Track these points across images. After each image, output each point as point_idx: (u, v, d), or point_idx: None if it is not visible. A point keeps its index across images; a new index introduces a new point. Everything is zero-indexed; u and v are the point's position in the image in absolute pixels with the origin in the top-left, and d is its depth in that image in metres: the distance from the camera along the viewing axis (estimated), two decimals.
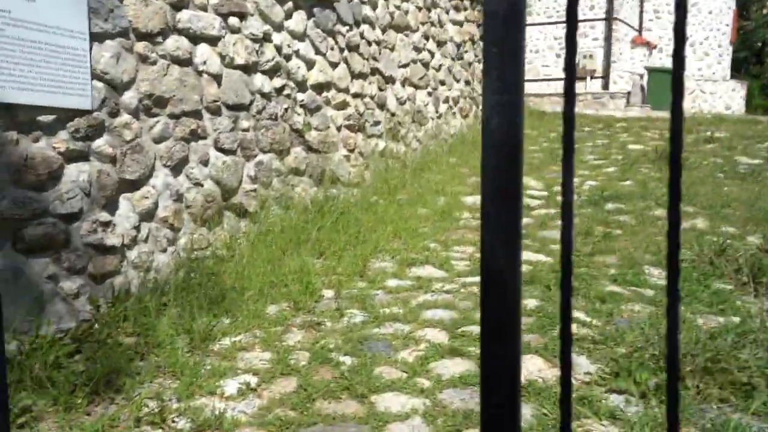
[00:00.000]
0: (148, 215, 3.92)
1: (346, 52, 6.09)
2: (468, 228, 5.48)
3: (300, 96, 5.40)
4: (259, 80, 4.90)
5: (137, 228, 3.84)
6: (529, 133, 9.25)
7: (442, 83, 8.26)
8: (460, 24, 8.72)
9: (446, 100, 8.35)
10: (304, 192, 5.31)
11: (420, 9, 7.64)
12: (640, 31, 19.42)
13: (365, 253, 4.74)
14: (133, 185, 3.82)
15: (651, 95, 17.41)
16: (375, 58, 6.65)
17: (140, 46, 3.83)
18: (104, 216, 3.60)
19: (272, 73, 5.05)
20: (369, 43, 6.54)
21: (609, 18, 17.38)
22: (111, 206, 3.66)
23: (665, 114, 10.53)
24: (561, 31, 18.09)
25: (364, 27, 6.45)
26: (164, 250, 4.05)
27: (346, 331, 3.54)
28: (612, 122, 9.96)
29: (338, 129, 5.94)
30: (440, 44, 8.20)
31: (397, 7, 7.11)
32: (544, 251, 4.82)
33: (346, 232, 5.04)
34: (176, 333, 3.55)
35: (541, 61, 18.37)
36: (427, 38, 7.84)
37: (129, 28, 3.76)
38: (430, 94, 7.90)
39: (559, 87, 18.26)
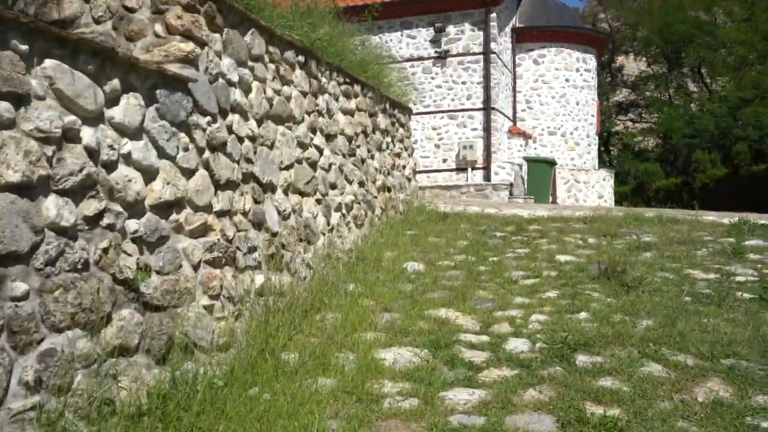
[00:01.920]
0: None
1: (207, 153, 4.20)
2: (400, 417, 3.61)
3: (132, 225, 3.39)
4: (53, 207, 2.86)
5: None
6: (436, 242, 7.70)
7: (333, 187, 6.55)
8: (350, 113, 7.15)
9: (338, 208, 6.62)
10: (136, 382, 3.21)
11: (305, 94, 5.97)
12: (514, 121, 19.27)
13: None
14: None
15: (532, 186, 16.92)
16: (249, 160, 4.81)
17: None
18: None
19: (80, 193, 3.03)
20: (240, 140, 4.71)
21: (487, 108, 16.91)
22: None
23: (578, 213, 9.51)
24: (438, 120, 17.41)
25: (234, 117, 4.62)
26: None
27: None
28: (523, 224, 8.70)
29: (195, 267, 3.94)
30: (330, 138, 6.54)
31: (277, 92, 5.38)
32: None
33: None
34: None
35: (420, 152, 17.45)
36: (314, 131, 6.14)
37: None
38: (319, 201, 6.13)
39: (439, 179, 17.35)
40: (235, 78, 4.61)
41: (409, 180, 9.65)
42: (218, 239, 4.21)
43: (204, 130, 4.16)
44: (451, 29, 16.92)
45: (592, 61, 20.17)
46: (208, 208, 4.15)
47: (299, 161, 5.76)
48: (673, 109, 30.24)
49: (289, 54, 5.62)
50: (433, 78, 17.30)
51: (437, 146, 17.55)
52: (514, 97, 19.30)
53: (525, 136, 18.93)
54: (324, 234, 6.12)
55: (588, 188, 19.94)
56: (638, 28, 33.67)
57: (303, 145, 5.85)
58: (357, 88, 7.34)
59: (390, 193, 8.47)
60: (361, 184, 7.30)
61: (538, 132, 19.51)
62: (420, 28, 17.16)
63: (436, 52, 17.02)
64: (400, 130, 9.33)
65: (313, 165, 6.08)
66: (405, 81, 9.45)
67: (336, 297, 5.51)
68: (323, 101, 6.36)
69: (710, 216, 9.34)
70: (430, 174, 17.48)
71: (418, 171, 17.36)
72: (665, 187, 26.35)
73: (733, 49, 28.53)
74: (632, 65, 37.53)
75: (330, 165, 6.48)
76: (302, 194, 5.77)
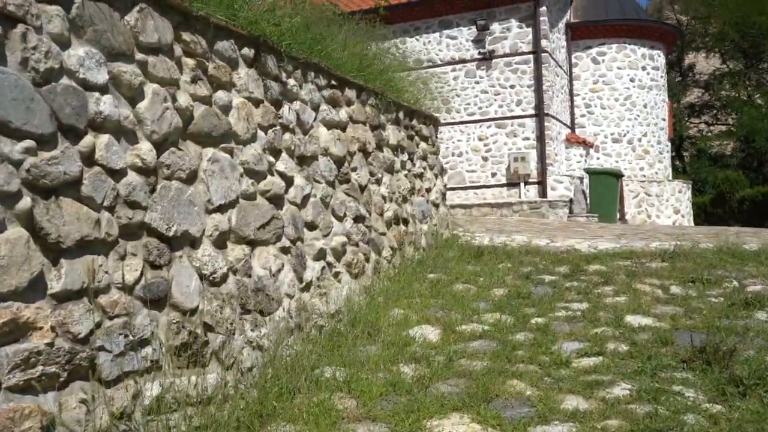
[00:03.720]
0: None
1: (26, 201, 2.52)
2: None
3: None
4: None
5: None
6: (464, 292, 5.83)
7: (312, 227, 4.80)
8: (340, 127, 5.40)
9: (321, 255, 4.86)
10: None
11: (258, 103, 4.26)
12: (572, 128, 17.11)
13: None
14: None
15: (596, 203, 14.70)
16: (136, 204, 3.12)
17: None
18: None
19: None
20: (116, 173, 3.02)
21: (539, 114, 14.85)
22: None
23: (653, 245, 7.42)
24: (486, 129, 15.45)
25: (101, 140, 2.94)
26: None
27: None
28: (581, 262, 6.71)
29: None
30: (304, 161, 4.81)
31: (202, 99, 3.69)
32: None
33: None
34: None
35: (466, 165, 15.56)
36: (276, 153, 4.42)
37: None
38: (285, 250, 4.39)
39: (488, 195, 15.39)
40: (99, 78, 2.93)
41: (437, 206, 7.80)
42: (49, 342, 2.52)
43: (17, 163, 2.49)
44: (495, 27, 15.00)
45: (660, 58, 17.81)
46: (28, 294, 2.47)
47: (247, 197, 4.04)
48: (755, 109, 27.17)
49: (225, 45, 3.93)
50: (477, 82, 15.39)
51: (485, 159, 15.58)
52: (572, 100, 17.15)
53: (585, 144, 16.72)
54: (292, 296, 4.37)
55: (661, 202, 17.50)
56: (710, 22, 30.74)
57: (254, 173, 4.13)
58: (351, 92, 5.58)
59: (406, 225, 6.66)
60: (359, 219, 5.52)
61: (600, 140, 17.27)
62: (461, 27, 15.32)
63: (479, 53, 15.12)
64: (422, 144, 7.52)
65: (276, 199, 4.35)
66: (426, 82, 7.60)
67: (298, 395, 3.75)
68: (291, 111, 4.63)
69: None
70: (477, 190, 15.54)
71: (464, 187, 15.50)
72: (750, 197, 23.37)
73: None
74: (704, 63, 34.51)
75: (305, 197, 4.74)
76: (253, 243, 4.05)
